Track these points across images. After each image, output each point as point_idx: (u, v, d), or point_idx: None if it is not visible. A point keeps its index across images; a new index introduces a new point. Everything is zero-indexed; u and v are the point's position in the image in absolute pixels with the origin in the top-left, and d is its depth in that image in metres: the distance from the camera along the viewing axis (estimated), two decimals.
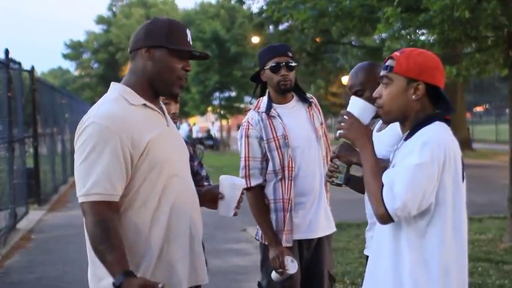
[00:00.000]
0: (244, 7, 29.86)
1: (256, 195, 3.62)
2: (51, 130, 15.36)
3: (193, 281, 2.48)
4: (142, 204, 2.37)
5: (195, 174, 3.33)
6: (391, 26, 7.43)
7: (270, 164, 3.61)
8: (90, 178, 2.28)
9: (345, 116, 2.39)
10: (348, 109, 2.41)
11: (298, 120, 3.66)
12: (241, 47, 31.81)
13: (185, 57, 2.46)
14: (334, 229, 3.78)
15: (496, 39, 7.51)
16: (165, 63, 2.43)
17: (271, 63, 3.60)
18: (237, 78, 32.61)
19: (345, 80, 32.42)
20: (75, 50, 63.00)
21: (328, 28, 12.36)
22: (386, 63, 2.37)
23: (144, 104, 2.43)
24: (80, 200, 2.31)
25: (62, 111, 18.44)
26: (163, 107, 2.58)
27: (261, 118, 3.63)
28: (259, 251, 3.77)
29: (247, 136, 3.63)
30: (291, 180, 3.59)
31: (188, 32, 2.49)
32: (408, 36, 7.55)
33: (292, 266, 3.52)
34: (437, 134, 2.25)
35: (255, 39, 28.84)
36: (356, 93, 2.96)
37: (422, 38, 7.73)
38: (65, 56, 63.58)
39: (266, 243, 3.63)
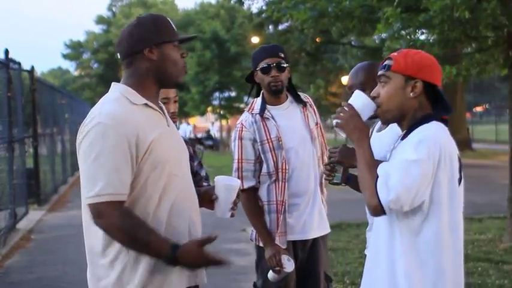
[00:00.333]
0: (244, 7, 29.85)
1: (250, 197, 3.62)
2: (51, 130, 15.35)
3: (193, 281, 2.48)
4: (144, 203, 2.37)
5: (195, 175, 3.33)
6: (391, 26, 7.43)
7: (264, 166, 3.60)
8: (101, 179, 2.28)
9: (345, 108, 2.39)
10: (350, 101, 2.41)
11: (292, 122, 3.65)
12: (241, 47, 31.81)
13: (179, 45, 2.50)
14: (328, 230, 3.78)
15: (496, 39, 7.50)
16: (171, 57, 2.45)
17: (262, 64, 3.61)
18: (236, 78, 32.61)
19: (345, 80, 32.39)
20: (75, 50, 62.98)
21: (328, 28, 12.35)
22: (384, 63, 2.39)
23: (146, 104, 2.43)
24: (91, 200, 2.29)
25: (61, 112, 18.43)
26: (163, 106, 2.58)
27: (254, 120, 3.62)
28: (255, 252, 3.76)
29: (241, 138, 3.63)
30: (285, 181, 3.59)
31: (169, 20, 2.53)
32: (408, 37, 7.55)
33: (289, 264, 3.53)
34: (434, 133, 2.26)
35: (255, 40, 28.82)
36: None
37: (422, 38, 7.73)
38: (65, 56, 63.56)
39: (261, 244, 3.64)
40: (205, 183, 3.31)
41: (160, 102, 2.61)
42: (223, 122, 37.32)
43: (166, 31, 2.46)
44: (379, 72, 2.39)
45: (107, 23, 60.83)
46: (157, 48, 2.43)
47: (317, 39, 21.67)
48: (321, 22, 9.64)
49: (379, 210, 2.19)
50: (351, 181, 2.96)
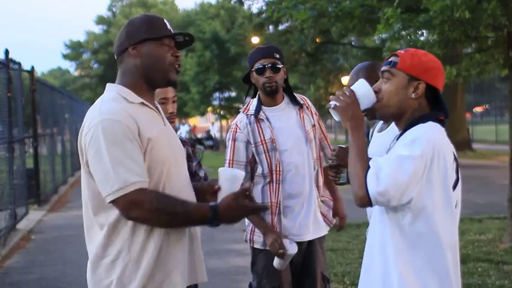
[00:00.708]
0: (244, 7, 29.87)
1: None
2: (51, 130, 15.35)
3: (193, 279, 2.49)
4: None
5: (194, 175, 3.33)
6: (391, 26, 7.43)
7: (259, 167, 3.61)
8: (122, 171, 2.26)
9: (346, 92, 2.37)
10: (353, 87, 2.39)
11: (287, 123, 3.65)
12: (241, 47, 31.80)
13: (171, 45, 2.48)
14: (325, 232, 3.77)
15: (496, 40, 7.50)
16: (154, 55, 2.44)
17: (257, 65, 3.61)
18: (237, 78, 32.60)
19: (345, 80, 32.41)
20: (75, 50, 62.96)
21: (328, 28, 12.36)
22: (390, 59, 2.38)
23: (142, 103, 2.44)
24: (118, 194, 2.26)
25: (61, 112, 18.44)
26: (159, 107, 2.59)
27: (249, 121, 3.62)
28: (250, 253, 3.75)
29: (234, 139, 3.63)
30: (279, 183, 3.59)
31: (166, 21, 2.50)
32: (408, 37, 7.55)
33: (291, 247, 3.51)
34: (428, 132, 2.25)
35: (255, 40, 28.82)
36: None
37: (422, 38, 7.72)
38: (65, 56, 63.54)
39: (256, 246, 3.64)
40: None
41: (158, 102, 2.61)
42: (223, 122, 37.31)
43: (152, 29, 2.45)
44: (383, 68, 2.38)
45: (107, 23, 60.82)
46: (140, 45, 2.44)
47: (317, 40, 21.69)
48: (321, 22, 9.67)
49: (365, 201, 2.19)
50: None
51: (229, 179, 2.47)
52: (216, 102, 37.30)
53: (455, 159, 2.31)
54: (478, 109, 47.69)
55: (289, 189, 3.60)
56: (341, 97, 2.36)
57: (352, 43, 25.72)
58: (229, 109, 35.12)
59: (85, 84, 61.67)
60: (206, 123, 59.37)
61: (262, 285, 3.62)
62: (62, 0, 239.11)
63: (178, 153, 2.53)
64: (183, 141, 3.08)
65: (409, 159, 2.16)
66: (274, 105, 3.67)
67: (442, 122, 2.35)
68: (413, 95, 2.32)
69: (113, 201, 2.29)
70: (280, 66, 3.61)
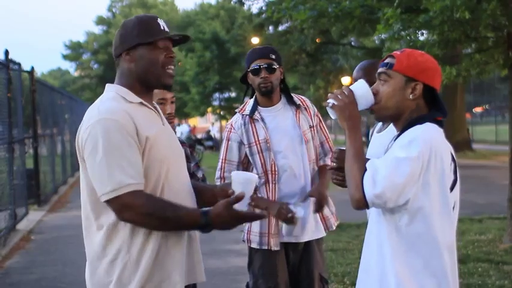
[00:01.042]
0: (244, 8, 29.87)
1: None
2: (51, 131, 15.36)
3: (192, 279, 2.49)
4: None
5: (192, 176, 3.33)
6: (391, 26, 7.43)
7: (253, 168, 3.62)
8: (117, 172, 2.27)
9: (345, 92, 2.36)
10: (352, 87, 2.38)
11: (282, 124, 3.65)
12: (241, 47, 31.80)
13: (165, 46, 2.46)
14: (323, 233, 3.75)
15: (496, 40, 7.50)
16: (147, 59, 2.44)
17: (253, 66, 3.62)
18: (236, 79, 32.51)
19: (345, 80, 32.41)
20: (74, 51, 62.95)
21: (328, 29, 12.36)
22: (386, 61, 2.37)
23: (141, 103, 2.44)
24: (112, 195, 2.28)
25: (61, 112, 18.44)
26: (158, 107, 2.59)
27: (243, 122, 3.64)
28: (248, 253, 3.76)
29: (228, 139, 3.67)
30: (275, 183, 3.59)
31: (160, 20, 2.48)
32: (408, 37, 7.54)
33: (298, 210, 3.51)
34: (426, 133, 2.24)
35: (255, 40, 28.82)
36: None
37: (422, 38, 7.72)
38: (65, 57, 63.54)
39: (253, 245, 3.63)
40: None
41: (156, 102, 2.62)
42: (223, 122, 37.31)
43: (144, 33, 2.43)
44: (380, 70, 2.37)
45: (107, 24, 60.83)
46: (133, 50, 2.44)
47: (317, 40, 21.69)
48: (321, 22, 9.66)
49: (362, 203, 2.18)
50: None
51: (242, 182, 2.45)
52: (216, 103, 37.27)
53: (453, 159, 2.30)
54: (477, 109, 47.68)
55: (285, 189, 3.61)
56: (339, 96, 2.35)
57: (352, 43, 25.73)
58: (229, 109, 35.10)
59: (85, 84, 61.66)
60: (206, 123, 59.37)
61: (258, 285, 3.62)
62: (61, 1, 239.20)
63: (178, 153, 2.54)
64: (181, 142, 3.08)
65: (406, 160, 2.16)
66: (270, 106, 3.68)
67: (440, 123, 2.34)
68: (411, 96, 2.31)
69: (107, 202, 2.30)
70: (275, 67, 3.62)
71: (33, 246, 8.62)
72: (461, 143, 22.33)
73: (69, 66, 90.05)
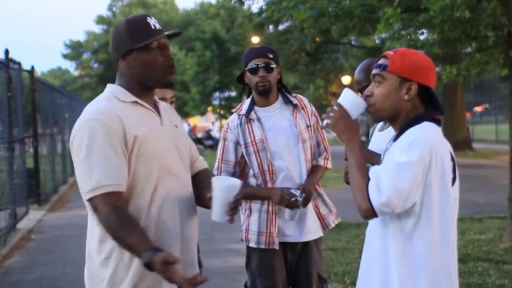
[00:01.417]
0: (244, 7, 29.86)
1: None
2: (51, 130, 15.36)
3: None
4: (135, 200, 2.38)
5: None
6: (391, 26, 7.42)
7: (250, 168, 3.61)
8: (96, 172, 2.29)
9: (334, 107, 2.35)
10: (339, 101, 2.37)
11: (279, 123, 3.64)
12: (241, 47, 31.84)
13: (159, 45, 2.44)
14: (321, 233, 3.75)
15: (496, 39, 7.50)
16: (144, 62, 2.43)
17: (250, 65, 3.61)
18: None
19: (345, 79, 32.41)
20: (75, 50, 62.96)
21: (328, 28, 12.36)
22: (380, 62, 2.35)
23: (136, 102, 2.44)
24: (88, 195, 2.30)
25: (61, 112, 18.44)
26: (161, 106, 2.57)
27: (240, 122, 3.62)
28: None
29: (225, 139, 3.66)
30: (273, 183, 3.58)
31: (150, 19, 2.45)
32: (408, 37, 7.54)
33: (299, 193, 3.51)
34: (425, 134, 2.24)
35: (255, 39, 28.83)
36: (364, 88, 2.94)
37: (422, 38, 7.72)
38: (65, 56, 63.56)
39: (251, 245, 3.63)
40: None
41: (157, 98, 2.59)
42: (224, 121, 37.33)
43: (136, 37, 2.41)
44: (374, 71, 2.36)
45: (107, 23, 60.83)
46: (128, 56, 2.43)
47: (317, 39, 21.67)
48: (321, 21, 9.66)
49: (370, 213, 2.18)
50: None
51: (219, 189, 2.40)
52: (216, 102, 37.31)
53: (452, 158, 2.30)
54: (478, 109, 47.69)
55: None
56: (331, 114, 2.34)
57: (352, 43, 25.72)
58: (229, 109, 35.09)
59: (85, 83, 61.67)
60: (206, 122, 59.36)
61: (256, 285, 3.62)
62: (62, 0, 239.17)
63: (176, 153, 2.51)
64: None
65: (408, 164, 2.16)
66: (267, 105, 3.67)
67: (437, 121, 2.34)
68: (406, 97, 2.30)
69: (88, 201, 2.32)
70: (273, 66, 3.61)
71: (33, 246, 8.62)
72: (461, 143, 22.31)
73: (69, 66, 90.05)
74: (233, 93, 36.72)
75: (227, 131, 3.67)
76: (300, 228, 3.63)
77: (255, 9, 26.63)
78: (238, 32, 33.35)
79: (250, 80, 3.63)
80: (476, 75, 7.83)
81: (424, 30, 7.68)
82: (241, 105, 3.72)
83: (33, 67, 12.76)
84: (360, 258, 2.46)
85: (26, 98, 12.48)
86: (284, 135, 3.62)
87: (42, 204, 12.29)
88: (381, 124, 3.27)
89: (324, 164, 3.78)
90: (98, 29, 63.14)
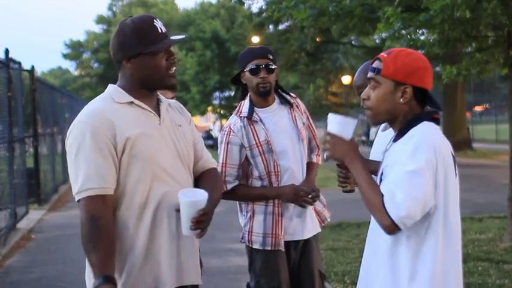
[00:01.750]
0: (245, 7, 29.86)
1: (239, 189, 3.58)
2: (51, 130, 15.37)
3: (180, 282, 2.46)
4: (128, 202, 2.38)
5: None
6: (392, 25, 7.42)
7: (254, 170, 3.58)
8: (81, 175, 2.32)
9: (327, 138, 2.36)
10: (328, 129, 2.38)
11: (280, 124, 3.64)
12: (241, 46, 31.81)
13: (167, 51, 2.46)
14: (319, 229, 3.76)
15: (496, 39, 7.50)
16: (149, 66, 2.43)
17: (251, 65, 3.58)
18: None
19: (345, 79, 32.40)
20: (75, 50, 63.00)
21: (328, 27, 12.35)
22: (374, 65, 2.34)
23: (132, 102, 2.44)
24: (76, 198, 2.34)
25: (62, 111, 18.45)
26: (163, 105, 2.55)
27: (243, 124, 3.59)
28: (247, 254, 3.74)
29: (228, 142, 3.60)
30: (279, 184, 3.58)
31: (156, 22, 2.46)
32: (408, 36, 7.54)
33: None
34: (426, 136, 2.23)
35: (255, 39, 28.82)
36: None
37: (423, 37, 7.72)
38: (65, 56, 63.59)
39: (254, 246, 3.60)
40: None
41: (160, 95, 2.59)
42: (224, 121, 37.32)
43: (145, 41, 2.41)
44: (369, 75, 2.35)
45: (107, 23, 60.87)
46: (135, 59, 2.43)
47: (317, 39, 21.67)
48: (321, 21, 9.64)
49: (393, 228, 2.16)
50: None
51: (183, 204, 2.36)
52: (216, 102, 37.30)
53: (453, 156, 2.31)
54: (478, 108, 47.71)
55: None
56: (327, 145, 2.36)
57: (352, 42, 25.70)
58: (229, 108, 35.14)
59: (85, 83, 61.70)
60: (206, 122, 59.35)
61: (261, 285, 3.60)
62: (62, 0, 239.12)
63: (175, 154, 2.49)
64: None
65: (417, 172, 2.15)
66: (266, 106, 3.66)
67: (436, 120, 2.34)
68: (401, 100, 2.29)
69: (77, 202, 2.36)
70: (274, 67, 3.62)
71: (34, 245, 8.63)
72: (461, 142, 22.32)
73: (70, 65, 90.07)
74: (233, 93, 36.74)
75: (229, 134, 3.60)
76: (301, 225, 3.64)
77: (255, 9, 26.65)
78: (238, 32, 33.33)
79: (251, 81, 3.61)
80: (476, 75, 7.83)
81: (424, 30, 7.68)
82: (240, 107, 3.70)
83: (33, 67, 12.76)
84: (361, 257, 2.46)
85: (26, 98, 12.48)
86: (287, 134, 3.63)
87: (42, 203, 12.30)
88: (384, 124, 3.28)
89: (317, 160, 3.83)
90: (98, 28, 63.27)
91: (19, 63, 10.85)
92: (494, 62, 7.53)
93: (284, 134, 3.62)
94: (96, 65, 61.60)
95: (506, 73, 7.79)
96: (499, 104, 40.48)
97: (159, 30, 2.44)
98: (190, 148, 2.59)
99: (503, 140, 23.78)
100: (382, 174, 2.31)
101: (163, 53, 2.44)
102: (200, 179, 2.63)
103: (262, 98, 3.64)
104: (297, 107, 3.74)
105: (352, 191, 2.97)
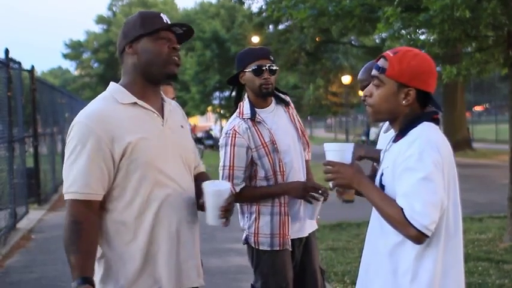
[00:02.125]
0: (244, 7, 29.87)
1: (245, 191, 3.57)
2: (51, 130, 15.37)
3: (180, 284, 2.46)
4: (127, 206, 2.36)
5: None
6: (391, 25, 7.43)
7: (260, 170, 3.56)
8: (70, 177, 2.33)
9: (328, 167, 2.36)
10: (327, 158, 2.38)
11: (280, 123, 3.65)
12: (241, 46, 31.84)
13: (168, 37, 2.44)
14: (316, 225, 3.79)
15: (496, 39, 7.50)
16: (150, 50, 2.41)
17: (253, 66, 3.57)
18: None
19: (345, 79, 32.41)
20: (75, 50, 62.99)
21: (328, 27, 12.35)
22: (379, 64, 2.33)
23: (135, 103, 2.41)
24: (65, 197, 2.37)
25: (62, 111, 18.44)
26: (167, 106, 2.53)
27: (248, 126, 3.57)
28: (248, 255, 3.73)
29: (234, 145, 3.55)
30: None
31: (163, 15, 2.47)
32: (408, 36, 7.54)
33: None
34: (429, 137, 2.24)
35: (255, 39, 28.84)
36: None
37: (422, 37, 7.72)
38: (65, 56, 63.58)
39: (261, 247, 3.59)
40: None
41: (163, 94, 2.57)
42: (224, 121, 37.31)
43: (146, 24, 2.41)
44: (373, 73, 2.34)
45: (107, 23, 60.83)
46: (136, 42, 2.42)
47: (317, 39, 21.68)
48: (321, 21, 9.65)
49: (421, 236, 2.16)
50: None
51: (211, 194, 2.41)
52: (216, 102, 37.28)
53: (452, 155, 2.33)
54: (478, 108, 47.72)
55: None
56: (329, 175, 2.35)
57: (352, 42, 25.71)
58: (229, 108, 35.14)
59: (85, 83, 61.72)
60: (206, 122, 59.35)
61: (269, 286, 3.59)
62: (61, 0, 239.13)
63: (177, 155, 2.48)
64: None
65: (428, 177, 2.16)
66: (265, 107, 3.67)
67: (436, 120, 2.34)
68: (404, 102, 2.29)
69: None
70: (276, 69, 3.63)
71: (34, 245, 8.63)
72: (461, 142, 22.31)
73: (70, 65, 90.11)
74: (233, 93, 36.74)
75: (235, 136, 3.56)
76: (303, 223, 3.65)
77: (255, 8, 26.68)
78: (238, 32, 33.35)
79: (252, 82, 3.60)
80: (476, 75, 7.83)
81: (424, 30, 7.68)
82: (241, 109, 3.69)
83: (33, 67, 12.76)
84: (360, 257, 2.46)
85: (26, 98, 12.48)
86: (289, 133, 3.65)
87: (42, 203, 12.30)
88: (386, 125, 3.29)
89: (308, 157, 3.86)
90: (98, 28, 63.22)
91: (19, 63, 10.85)
92: (494, 62, 7.53)
93: (285, 133, 3.64)
94: (96, 65, 61.59)
95: (506, 73, 7.79)
96: (499, 104, 40.49)
97: (163, 20, 2.44)
98: (191, 150, 2.59)
99: (503, 140, 23.78)
100: (382, 175, 2.31)
101: (165, 40, 2.43)
102: (196, 180, 2.61)
103: (263, 98, 3.64)
104: (290, 105, 3.80)
105: (351, 201, 2.95)
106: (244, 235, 3.71)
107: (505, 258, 6.70)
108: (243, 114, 3.63)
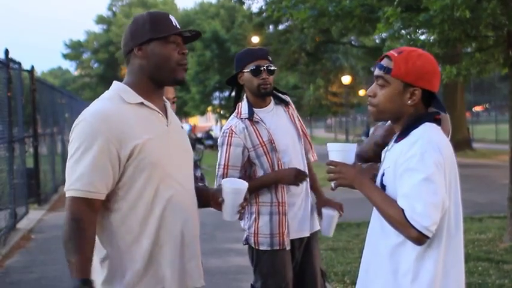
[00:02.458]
0: (244, 7, 29.87)
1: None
2: (51, 130, 15.35)
3: (184, 285, 2.45)
4: (132, 206, 2.35)
5: None
6: (391, 25, 7.43)
7: (259, 170, 3.58)
8: (73, 175, 2.31)
9: (330, 166, 2.37)
10: (330, 158, 2.39)
11: (280, 123, 3.66)
12: (241, 46, 31.83)
13: (177, 41, 2.43)
14: (319, 227, 3.79)
15: (496, 39, 7.51)
16: (160, 54, 2.40)
17: (251, 66, 3.59)
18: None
19: (345, 79, 32.41)
20: (75, 50, 63.00)
21: (328, 28, 12.36)
22: (383, 63, 2.32)
23: (141, 103, 2.40)
24: (67, 194, 2.36)
25: (61, 111, 18.44)
26: (168, 105, 2.53)
27: (245, 126, 3.59)
28: (248, 255, 3.74)
29: (230, 144, 3.58)
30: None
31: (172, 17, 2.45)
32: (408, 36, 7.55)
33: (333, 209, 3.69)
34: (430, 138, 2.24)
35: (255, 39, 28.83)
36: None
37: (422, 37, 7.73)
38: (65, 56, 63.59)
39: (261, 248, 3.59)
40: (200, 184, 3.28)
41: (165, 98, 2.57)
42: (224, 121, 37.32)
43: (157, 28, 2.39)
44: (377, 72, 2.34)
45: (107, 23, 60.83)
46: (146, 45, 2.40)
47: (317, 39, 21.70)
48: (321, 21, 9.65)
49: (422, 238, 2.17)
50: None
51: (231, 192, 2.51)
52: (216, 102, 37.28)
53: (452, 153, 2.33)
54: (478, 108, 47.71)
55: (292, 187, 3.61)
56: (332, 174, 2.37)
57: (352, 42, 25.71)
58: (229, 108, 35.11)
59: (85, 83, 61.73)
60: (206, 122, 59.37)
61: (268, 285, 3.60)
62: (62, 0, 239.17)
63: (181, 155, 2.48)
64: None
65: (429, 178, 2.16)
66: (264, 107, 3.68)
67: (437, 121, 2.34)
68: (409, 102, 2.29)
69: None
70: (274, 69, 3.65)
71: (34, 245, 8.63)
72: (461, 142, 22.33)
73: (70, 66, 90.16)
74: (233, 93, 36.76)
75: (231, 136, 3.59)
76: (304, 223, 3.66)
77: (254, 8, 26.69)
78: (238, 32, 33.35)
79: (251, 82, 3.61)
80: (476, 75, 7.84)
81: (424, 30, 7.68)
82: (239, 109, 3.69)
83: (33, 67, 12.76)
84: (360, 257, 2.46)
85: (26, 98, 12.47)
86: (288, 133, 3.66)
87: (42, 203, 12.30)
88: (388, 124, 3.29)
89: (314, 158, 3.87)
90: (98, 28, 63.20)
91: (19, 64, 10.84)
92: (494, 62, 7.54)
93: (284, 132, 3.64)
94: (96, 65, 61.59)
95: (506, 73, 7.80)
96: (499, 104, 40.49)
97: (173, 23, 2.43)
98: (191, 151, 2.60)
99: (503, 140, 23.79)
100: (383, 175, 2.31)
101: (175, 45, 2.41)
102: None
103: (261, 98, 3.65)
104: (290, 105, 3.80)
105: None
106: (244, 235, 3.71)
107: (505, 258, 6.70)
108: (241, 114, 3.65)
